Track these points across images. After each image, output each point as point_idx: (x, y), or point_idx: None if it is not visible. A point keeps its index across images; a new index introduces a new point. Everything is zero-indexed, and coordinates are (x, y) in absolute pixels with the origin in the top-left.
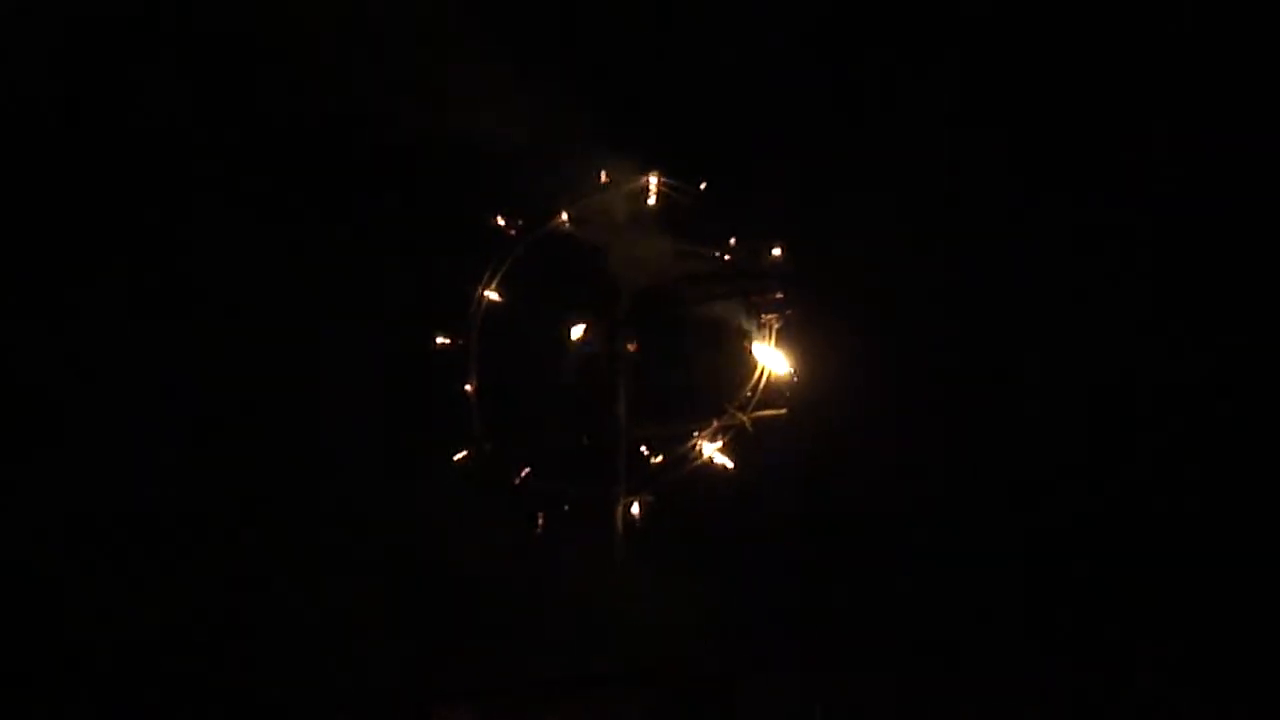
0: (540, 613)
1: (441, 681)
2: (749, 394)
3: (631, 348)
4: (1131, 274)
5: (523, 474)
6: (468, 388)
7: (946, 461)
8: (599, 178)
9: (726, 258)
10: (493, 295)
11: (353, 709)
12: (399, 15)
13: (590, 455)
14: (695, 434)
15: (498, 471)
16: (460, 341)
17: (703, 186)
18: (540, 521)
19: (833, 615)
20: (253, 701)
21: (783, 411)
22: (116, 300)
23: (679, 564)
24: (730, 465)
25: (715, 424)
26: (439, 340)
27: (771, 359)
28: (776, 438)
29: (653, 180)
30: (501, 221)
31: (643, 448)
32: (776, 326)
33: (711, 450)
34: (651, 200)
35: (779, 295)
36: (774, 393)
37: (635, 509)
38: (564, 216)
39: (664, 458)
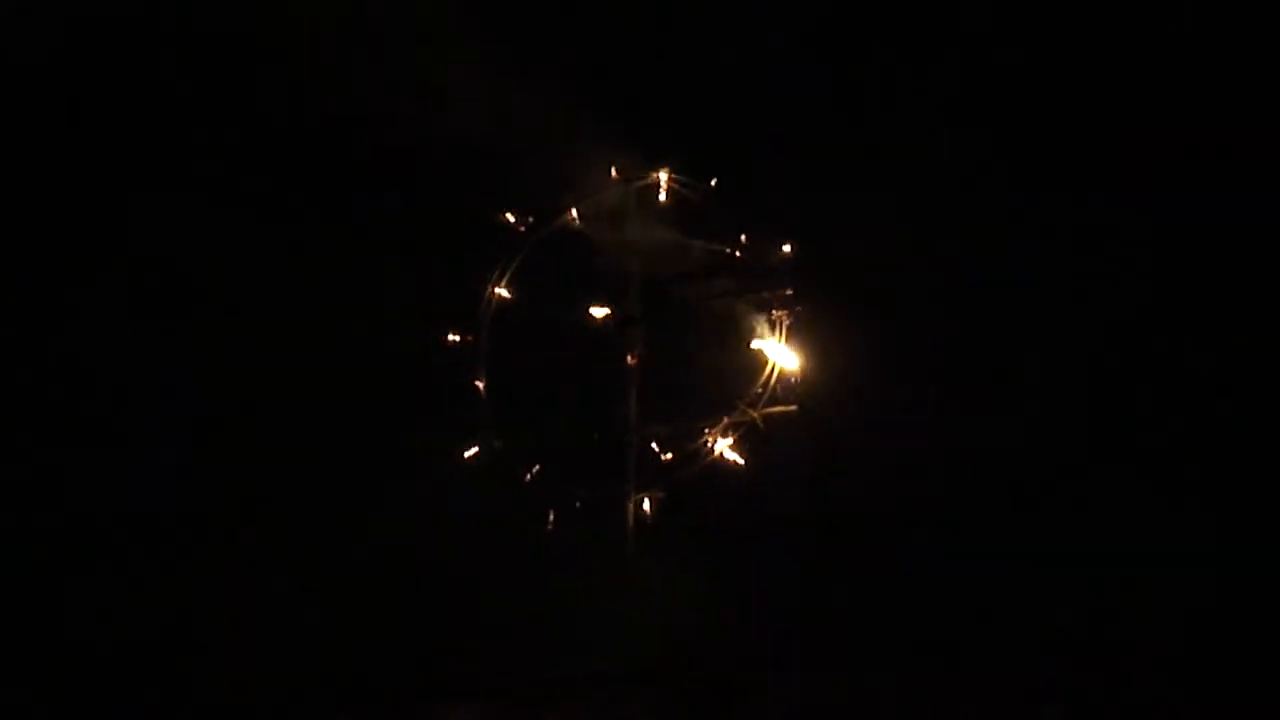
0: (543, 612)
1: (441, 681)
2: (760, 390)
3: (642, 343)
4: (1131, 274)
5: (533, 471)
6: (478, 384)
7: (946, 461)
8: (609, 174)
9: (737, 254)
10: (502, 292)
11: (353, 709)
12: (403, 15)
13: (601, 452)
14: (706, 431)
15: (507, 469)
16: (470, 339)
17: (713, 183)
18: (551, 519)
19: (833, 615)
20: (253, 701)
21: (794, 408)
22: (116, 300)
23: (687, 562)
24: (742, 462)
25: (726, 421)
26: (449, 338)
27: (782, 355)
28: (788, 434)
29: (663, 176)
30: (511, 218)
31: (654, 444)
32: (787, 323)
33: (723, 447)
34: (662, 196)
35: (789, 291)
36: (785, 389)
37: (646, 506)
38: (574, 213)
39: (675, 455)
